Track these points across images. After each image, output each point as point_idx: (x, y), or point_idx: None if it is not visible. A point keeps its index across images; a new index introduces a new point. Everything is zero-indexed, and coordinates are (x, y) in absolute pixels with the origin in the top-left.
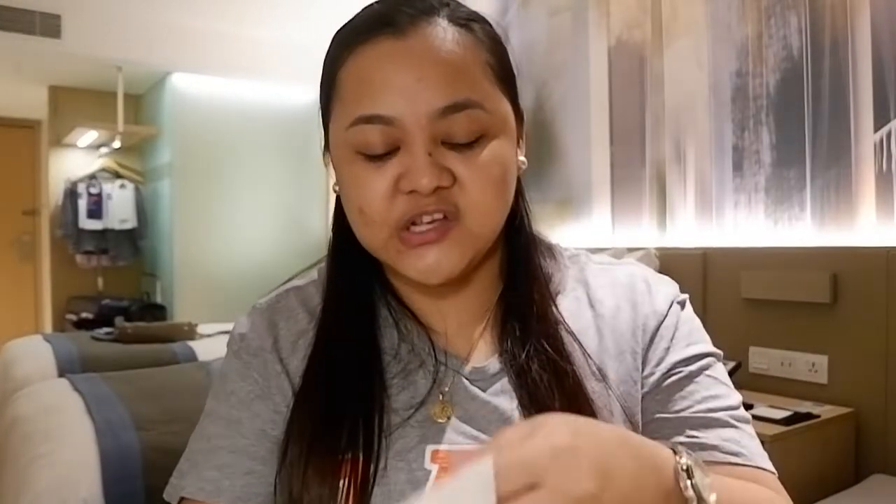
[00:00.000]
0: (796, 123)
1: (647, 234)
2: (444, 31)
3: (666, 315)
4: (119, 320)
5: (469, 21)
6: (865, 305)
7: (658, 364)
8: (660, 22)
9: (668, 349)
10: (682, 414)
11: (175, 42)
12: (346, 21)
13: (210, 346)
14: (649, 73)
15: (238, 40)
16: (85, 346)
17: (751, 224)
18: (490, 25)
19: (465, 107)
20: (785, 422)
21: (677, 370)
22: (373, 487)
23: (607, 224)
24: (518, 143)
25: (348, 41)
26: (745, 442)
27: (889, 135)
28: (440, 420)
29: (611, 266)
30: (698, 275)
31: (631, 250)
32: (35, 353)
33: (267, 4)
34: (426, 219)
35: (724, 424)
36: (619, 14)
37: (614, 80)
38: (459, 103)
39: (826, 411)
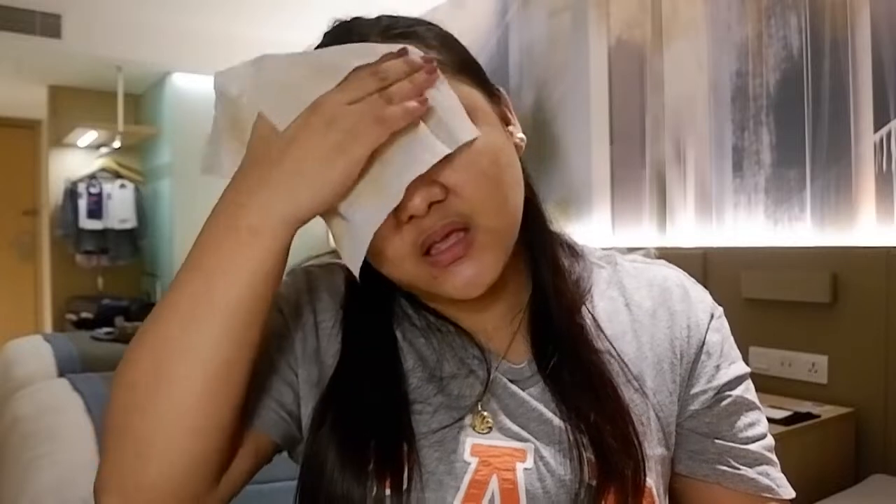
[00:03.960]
0: (796, 123)
1: (647, 234)
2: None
3: (708, 329)
4: (119, 320)
5: (408, 29)
6: (865, 305)
7: (710, 382)
8: (660, 22)
9: (718, 367)
10: (727, 443)
11: (175, 42)
12: None
13: None
14: (649, 73)
15: (238, 40)
16: (85, 346)
17: (751, 224)
18: (436, 26)
19: None
20: (785, 422)
21: (726, 394)
22: (410, 472)
23: (607, 224)
24: (506, 122)
25: None
26: (775, 475)
27: (889, 135)
28: (481, 431)
29: (644, 266)
30: (698, 275)
31: (631, 250)
32: (35, 353)
33: (267, 4)
34: (441, 244)
35: (761, 458)
36: (619, 14)
37: (614, 80)
38: None
39: (826, 411)
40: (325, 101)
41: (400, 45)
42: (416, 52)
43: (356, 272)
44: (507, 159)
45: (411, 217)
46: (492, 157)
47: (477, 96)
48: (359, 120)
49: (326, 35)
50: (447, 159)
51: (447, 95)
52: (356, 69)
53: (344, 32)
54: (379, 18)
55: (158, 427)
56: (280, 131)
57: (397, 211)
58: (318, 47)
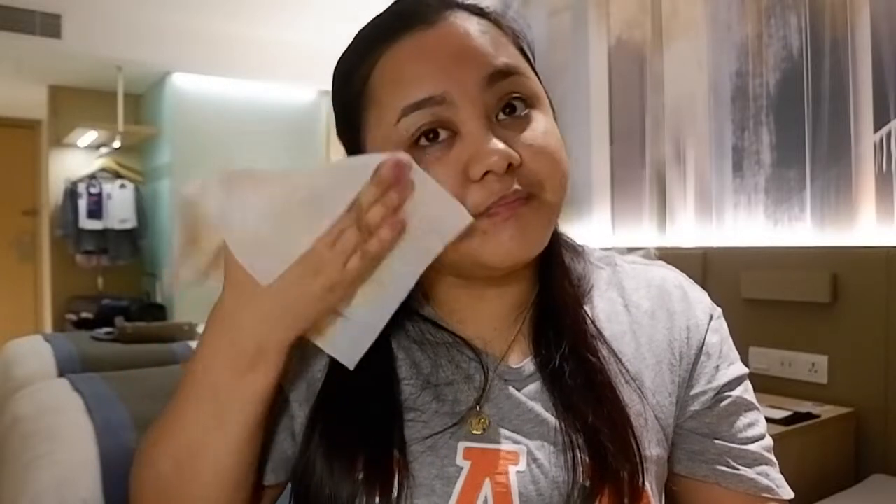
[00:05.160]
0: (796, 123)
1: (647, 234)
2: (467, 18)
3: (707, 330)
4: (119, 320)
5: (483, 11)
6: (865, 305)
7: (710, 382)
8: (660, 22)
9: (717, 367)
10: (726, 443)
11: (175, 42)
12: (352, 40)
13: None
14: (649, 73)
15: (239, 40)
16: (85, 346)
17: (751, 224)
18: (502, 14)
19: (508, 73)
20: (785, 422)
21: (726, 395)
22: (400, 482)
23: (607, 224)
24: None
25: (373, 46)
26: (774, 475)
27: (889, 135)
28: (476, 432)
29: (643, 267)
30: (698, 275)
31: (631, 250)
32: (35, 353)
33: (268, 4)
34: (502, 204)
35: (760, 459)
36: (619, 14)
37: (614, 80)
38: (502, 70)
39: (826, 411)
40: (312, 254)
41: (373, 165)
42: (385, 160)
43: (353, 365)
44: (563, 148)
45: (486, 174)
46: (556, 140)
47: (540, 88)
48: (342, 261)
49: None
50: (522, 128)
51: (428, 185)
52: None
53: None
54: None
55: None
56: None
57: (469, 168)
58: (381, 14)
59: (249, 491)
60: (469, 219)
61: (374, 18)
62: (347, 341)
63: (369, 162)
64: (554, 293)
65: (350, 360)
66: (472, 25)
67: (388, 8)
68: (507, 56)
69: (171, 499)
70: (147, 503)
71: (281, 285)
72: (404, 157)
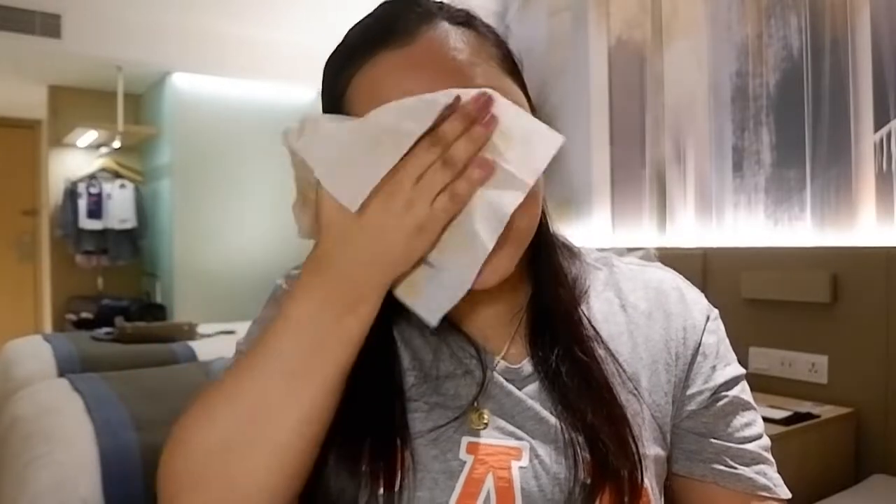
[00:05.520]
0: (796, 123)
1: (647, 234)
2: (447, 32)
3: (704, 330)
4: (119, 320)
5: (468, 18)
6: (865, 305)
7: (706, 382)
8: (660, 22)
9: (714, 367)
10: (724, 442)
11: (175, 42)
12: (339, 43)
13: (210, 346)
14: (649, 73)
15: (238, 40)
16: (85, 346)
17: (751, 224)
18: (485, 22)
19: None
20: (785, 422)
21: (723, 394)
22: (403, 475)
23: (607, 224)
24: None
25: (351, 61)
26: (772, 474)
27: (889, 135)
28: (478, 427)
29: (640, 268)
30: (698, 275)
31: (631, 250)
32: (35, 353)
33: (268, 4)
34: None
35: (758, 458)
36: (619, 14)
37: (614, 80)
38: None
39: (826, 411)
40: (398, 186)
41: (454, 93)
42: (468, 93)
43: (435, 321)
44: None
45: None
46: None
47: (523, 100)
48: (429, 197)
49: (385, 4)
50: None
51: (513, 117)
52: (418, 142)
53: (411, 3)
54: (440, 4)
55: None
56: (349, 210)
57: None
58: (372, 12)
59: (302, 480)
60: (561, 138)
61: (356, 25)
62: (432, 293)
63: (449, 93)
64: (548, 295)
65: (433, 315)
66: (451, 41)
67: (371, 13)
68: (483, 76)
69: (234, 457)
70: (195, 472)
71: (372, 223)
72: (488, 91)
